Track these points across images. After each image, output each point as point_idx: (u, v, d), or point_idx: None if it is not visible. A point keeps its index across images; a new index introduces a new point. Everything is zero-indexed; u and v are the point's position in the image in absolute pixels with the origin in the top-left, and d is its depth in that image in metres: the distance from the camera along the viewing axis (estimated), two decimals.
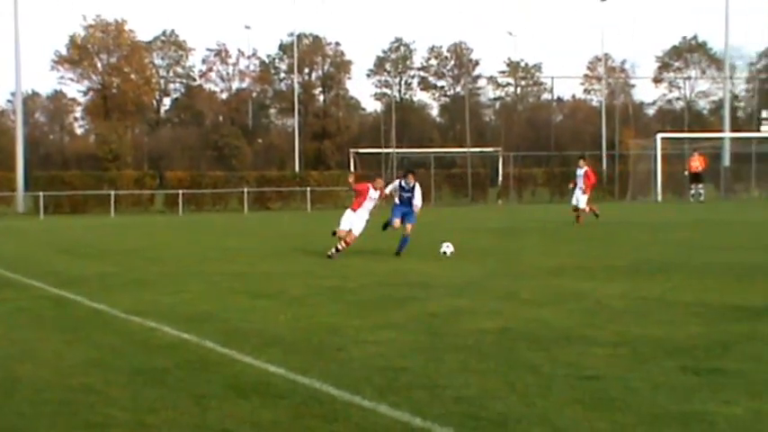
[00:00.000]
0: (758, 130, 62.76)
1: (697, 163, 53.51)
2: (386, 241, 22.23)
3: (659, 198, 57.39)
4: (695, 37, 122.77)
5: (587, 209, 31.87)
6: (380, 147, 71.61)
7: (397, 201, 21.54)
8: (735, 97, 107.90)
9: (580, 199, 31.85)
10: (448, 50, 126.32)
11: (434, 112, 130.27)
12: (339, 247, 20.73)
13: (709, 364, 8.74)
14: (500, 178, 65.38)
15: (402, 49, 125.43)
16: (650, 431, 6.63)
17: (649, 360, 9.00)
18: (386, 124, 79.48)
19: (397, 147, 71.98)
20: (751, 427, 6.73)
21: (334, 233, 21.39)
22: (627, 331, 10.62)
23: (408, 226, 21.14)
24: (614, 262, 18.88)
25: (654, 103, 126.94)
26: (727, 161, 63.77)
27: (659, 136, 60.96)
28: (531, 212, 44.59)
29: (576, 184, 32.43)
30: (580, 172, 32.45)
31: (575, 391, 7.79)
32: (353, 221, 21.10)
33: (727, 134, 65.58)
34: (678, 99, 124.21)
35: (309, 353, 9.73)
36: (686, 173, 54.44)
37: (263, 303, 13.80)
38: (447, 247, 20.61)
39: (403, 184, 21.61)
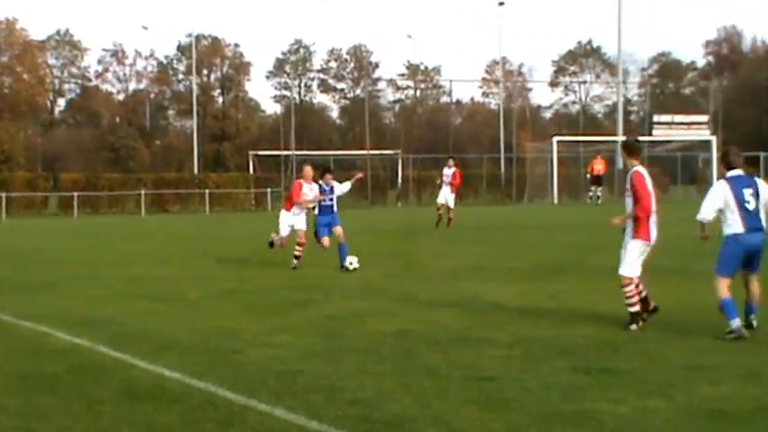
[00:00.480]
0: (650, 134, 63.87)
1: (600, 166, 54.57)
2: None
3: (555, 200, 58.11)
4: (590, 42, 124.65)
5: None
6: (280, 149, 71.29)
7: (317, 211, 20.04)
8: (628, 101, 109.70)
9: (449, 198, 31.99)
10: (348, 53, 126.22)
11: (334, 114, 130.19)
12: (296, 254, 19.34)
13: (600, 364, 8.91)
14: (399, 180, 65.61)
15: (302, 51, 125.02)
16: (542, 430, 6.73)
17: (543, 360, 9.14)
18: (285, 126, 79.25)
19: (297, 149, 71.85)
20: (637, 424, 6.87)
21: (272, 244, 20.31)
22: (522, 332, 10.77)
23: (338, 230, 19.38)
24: (511, 264, 19.07)
25: (550, 106, 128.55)
26: (620, 164, 64.85)
27: (555, 139, 61.68)
28: (430, 214, 44.77)
29: (442, 182, 32.47)
30: (448, 171, 32.54)
31: (470, 392, 7.87)
32: (294, 221, 20.09)
33: (621, 137, 66.65)
34: (574, 103, 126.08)
35: (206, 356, 9.68)
36: (588, 175, 55.30)
37: (160, 307, 13.69)
38: (351, 263, 18.53)
39: (323, 186, 20.24)
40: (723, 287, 10.59)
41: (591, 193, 54.36)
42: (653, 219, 11.02)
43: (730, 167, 11.12)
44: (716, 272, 10.67)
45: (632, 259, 11.04)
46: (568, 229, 30.88)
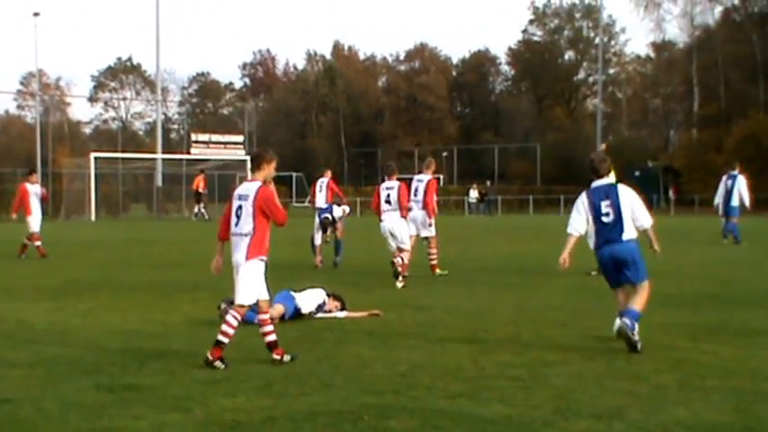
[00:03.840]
0: (189, 152, 64.66)
1: (201, 182, 56.10)
2: None
3: (93, 217, 57.22)
4: (130, 58, 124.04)
5: None
6: None
7: None
8: (168, 119, 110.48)
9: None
10: None
11: None
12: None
13: (124, 381, 8.91)
14: None
15: None
16: None
17: (65, 380, 8.99)
18: None
19: None
20: None
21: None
22: (46, 351, 10.53)
23: None
24: (42, 282, 18.55)
25: (90, 122, 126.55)
26: (160, 181, 65.07)
27: (93, 155, 60.81)
28: None
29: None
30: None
31: None
32: None
33: (160, 155, 66.96)
34: (114, 119, 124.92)
35: None
36: (194, 191, 56.92)
37: None
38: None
39: None
40: (619, 298, 10.93)
41: (196, 210, 56.06)
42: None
43: (598, 176, 11.03)
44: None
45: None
46: (104, 245, 30.55)
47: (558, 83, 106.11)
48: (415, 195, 19.66)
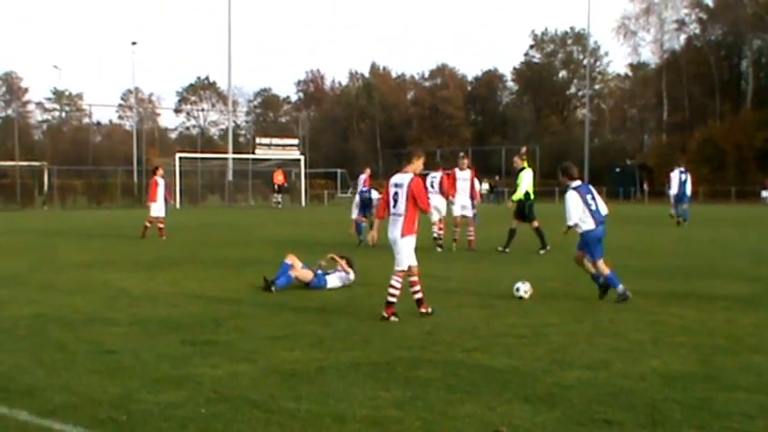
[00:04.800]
0: (254, 153, 64.79)
1: (280, 177, 57.71)
2: None
3: (178, 205, 57.38)
4: (207, 77, 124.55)
5: None
6: None
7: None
8: (237, 126, 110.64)
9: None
10: (0, 78, 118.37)
11: None
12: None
13: (204, 337, 8.94)
14: (46, 188, 62.27)
15: None
16: (152, 391, 6.68)
17: (157, 335, 9.05)
18: None
19: None
20: (228, 383, 6.94)
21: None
22: (141, 313, 10.60)
23: None
24: (138, 258, 18.65)
25: (176, 128, 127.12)
26: (231, 176, 65.29)
27: (178, 155, 61.05)
28: (72, 217, 42.98)
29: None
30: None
31: (94, 363, 7.67)
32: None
33: (231, 155, 67.19)
34: (194, 126, 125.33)
35: None
36: (276, 185, 57.92)
37: None
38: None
39: None
40: (603, 266, 11.34)
41: (275, 199, 57.13)
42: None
43: (573, 179, 11.59)
44: (593, 258, 11.41)
45: None
46: (186, 228, 30.63)
47: (553, 96, 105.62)
48: (463, 185, 20.69)
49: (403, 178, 10.17)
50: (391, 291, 9.95)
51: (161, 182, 26.01)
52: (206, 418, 5.94)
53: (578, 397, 6.49)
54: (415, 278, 10.17)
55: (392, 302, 9.93)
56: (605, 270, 11.43)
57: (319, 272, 13.13)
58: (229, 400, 6.41)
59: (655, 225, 31.00)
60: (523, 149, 21.04)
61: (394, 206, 10.12)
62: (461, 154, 22.53)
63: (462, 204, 20.66)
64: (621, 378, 7.11)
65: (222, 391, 6.68)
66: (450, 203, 20.67)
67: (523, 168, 19.94)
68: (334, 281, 13.07)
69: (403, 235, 10.00)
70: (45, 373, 7.28)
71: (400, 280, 10.01)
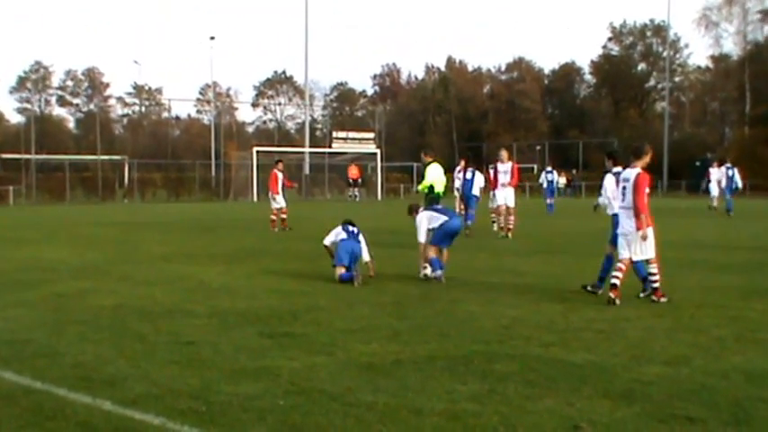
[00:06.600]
0: (330, 147, 65.14)
1: (355, 171, 58.84)
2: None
3: (255, 199, 58.07)
4: (284, 72, 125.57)
5: None
6: (21, 153, 67.28)
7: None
8: (314, 120, 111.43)
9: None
10: (82, 74, 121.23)
11: (71, 125, 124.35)
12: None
13: (281, 329, 9.00)
14: (126, 181, 63.58)
15: (41, 70, 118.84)
16: (231, 383, 6.75)
17: (235, 328, 9.14)
18: (26, 134, 75.02)
19: (37, 153, 68.11)
20: (306, 375, 6.99)
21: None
22: (219, 305, 10.71)
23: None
24: (215, 250, 18.88)
25: (253, 122, 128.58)
26: (308, 170, 65.74)
27: (255, 149, 61.70)
28: (151, 210, 43.77)
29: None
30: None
31: (173, 354, 7.78)
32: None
33: (308, 149, 67.61)
34: (272, 120, 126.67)
35: None
36: (350, 180, 59.81)
37: None
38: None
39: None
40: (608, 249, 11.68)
41: (350, 193, 58.19)
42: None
43: (616, 164, 11.85)
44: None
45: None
46: (263, 221, 30.86)
47: (631, 89, 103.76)
48: (504, 177, 23.31)
49: (630, 173, 10.63)
50: (616, 274, 10.60)
51: (280, 175, 26.50)
52: (284, 409, 5.98)
53: (658, 393, 6.38)
54: (654, 268, 10.71)
55: (616, 285, 10.51)
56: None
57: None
58: (307, 392, 6.44)
59: (733, 219, 30.28)
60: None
61: (623, 200, 10.67)
62: (502, 148, 25.28)
63: (504, 195, 23.08)
64: (703, 375, 6.96)
65: (300, 383, 6.71)
66: (492, 194, 23.70)
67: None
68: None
69: (638, 228, 10.47)
70: (126, 364, 7.41)
71: (625, 267, 10.62)
